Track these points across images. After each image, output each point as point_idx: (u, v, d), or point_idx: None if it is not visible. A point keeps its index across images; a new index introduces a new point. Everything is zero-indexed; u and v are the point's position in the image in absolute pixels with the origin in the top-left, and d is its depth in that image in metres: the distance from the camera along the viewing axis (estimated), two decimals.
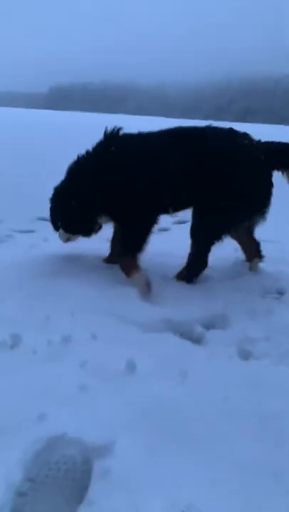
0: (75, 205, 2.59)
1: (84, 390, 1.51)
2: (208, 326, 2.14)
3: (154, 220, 2.64)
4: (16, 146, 8.09)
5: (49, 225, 2.87)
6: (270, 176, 2.58)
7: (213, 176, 2.50)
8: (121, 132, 2.61)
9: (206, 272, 2.66)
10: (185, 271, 2.62)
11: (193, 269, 2.63)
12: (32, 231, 3.87)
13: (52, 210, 2.76)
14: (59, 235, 2.80)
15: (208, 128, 2.70)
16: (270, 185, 2.58)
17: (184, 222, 4.17)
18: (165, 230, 3.92)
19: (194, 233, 2.61)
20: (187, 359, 1.77)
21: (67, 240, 2.79)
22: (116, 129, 2.60)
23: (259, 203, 2.58)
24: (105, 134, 2.61)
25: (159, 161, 2.52)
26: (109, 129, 2.61)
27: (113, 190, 2.54)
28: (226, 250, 2.83)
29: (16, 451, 1.22)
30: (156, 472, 1.18)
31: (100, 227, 2.78)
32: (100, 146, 2.61)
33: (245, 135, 2.62)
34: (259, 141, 2.63)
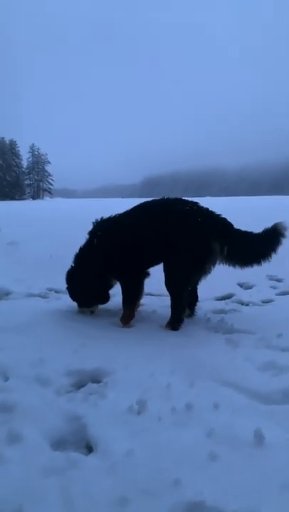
0: (88, 279, 3.30)
1: (215, 459, 1.50)
2: None
3: (140, 275, 3.33)
4: None
5: None
6: (205, 236, 3.03)
7: (164, 237, 3.08)
8: (103, 219, 3.38)
9: None
10: (170, 319, 3.10)
11: (175, 316, 3.09)
12: None
13: (70, 292, 3.45)
14: (80, 311, 3.42)
15: (162, 200, 3.34)
16: (206, 243, 3.02)
17: (287, 293, 4.15)
18: (269, 301, 3.89)
19: (166, 285, 3.15)
20: None
21: (91, 312, 3.44)
22: (99, 218, 3.39)
23: (200, 258, 3.03)
24: (92, 223, 3.40)
25: (132, 232, 3.20)
26: (95, 219, 3.40)
27: (110, 259, 3.25)
28: None
29: None
30: None
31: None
32: (90, 234, 3.39)
33: (192, 203, 3.19)
34: (206, 209, 3.16)
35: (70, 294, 3.47)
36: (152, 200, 3.43)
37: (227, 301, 3.89)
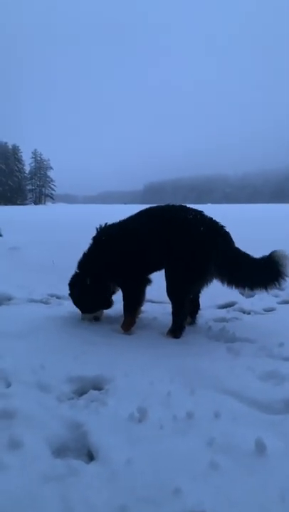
0: (91, 285, 3.28)
1: (215, 468, 1.50)
2: None
3: (142, 281, 3.30)
4: None
5: None
6: (206, 244, 3.02)
7: (167, 244, 3.09)
8: (107, 224, 3.39)
9: None
10: (172, 327, 3.10)
11: (177, 323, 3.08)
12: None
13: (73, 298, 3.43)
14: (83, 318, 3.40)
15: (167, 206, 3.36)
16: (207, 250, 3.00)
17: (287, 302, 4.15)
18: (271, 310, 3.89)
19: (168, 292, 3.14)
20: None
21: (95, 318, 3.44)
22: (103, 224, 3.40)
23: (201, 267, 3.02)
24: (96, 229, 3.39)
25: (136, 237, 3.22)
26: (99, 224, 3.40)
27: (112, 264, 3.25)
28: None
29: None
30: None
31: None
32: (94, 239, 3.39)
33: (196, 212, 3.18)
34: (209, 218, 3.15)
35: (73, 300, 3.46)
36: (157, 206, 3.44)
37: (229, 309, 3.88)
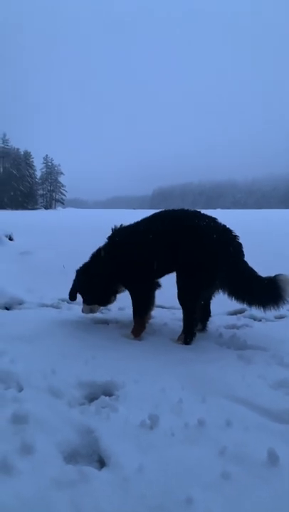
0: (96, 280, 3.35)
1: (227, 478, 1.48)
2: None
3: (152, 285, 3.34)
4: None
5: None
6: (218, 251, 3.03)
7: (179, 249, 3.09)
8: (122, 226, 3.44)
9: None
10: (182, 333, 3.10)
11: (188, 329, 3.08)
12: None
13: (75, 285, 3.50)
14: (83, 309, 3.52)
15: (180, 211, 3.37)
16: (218, 257, 3.02)
17: None
18: (283, 317, 3.86)
19: (179, 298, 3.14)
20: None
21: (91, 311, 3.52)
22: (118, 225, 3.45)
23: (212, 274, 3.03)
24: (112, 229, 3.45)
25: (147, 241, 3.23)
26: (114, 225, 3.46)
27: (123, 265, 3.29)
28: None
29: None
30: None
31: (115, 297, 3.52)
32: (109, 239, 3.43)
33: (210, 218, 3.18)
34: (223, 226, 3.15)
35: (75, 285, 3.52)
36: (170, 210, 3.44)
37: (239, 316, 3.86)
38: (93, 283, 3.40)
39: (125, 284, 3.39)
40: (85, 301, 3.52)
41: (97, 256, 3.45)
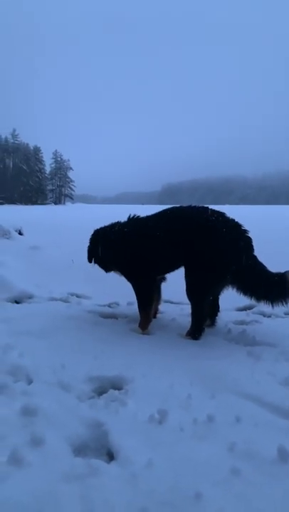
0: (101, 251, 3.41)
1: (237, 474, 1.47)
2: None
3: (152, 280, 3.31)
4: None
5: None
6: (228, 246, 2.99)
7: (188, 244, 3.07)
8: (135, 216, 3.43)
9: None
10: (191, 329, 3.08)
11: (196, 325, 3.07)
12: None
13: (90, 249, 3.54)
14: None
15: (189, 207, 3.31)
16: (229, 252, 2.98)
17: None
18: None
19: (187, 293, 3.12)
20: None
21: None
22: (132, 215, 3.45)
23: (222, 268, 3.01)
24: (128, 218, 3.44)
25: (154, 236, 3.19)
26: (129, 214, 3.46)
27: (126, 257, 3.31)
28: None
29: None
30: None
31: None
32: (122, 225, 3.44)
33: (218, 213, 3.15)
34: (232, 220, 3.11)
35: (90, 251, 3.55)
36: (180, 207, 3.42)
37: (248, 311, 3.84)
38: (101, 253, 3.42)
39: (127, 277, 3.39)
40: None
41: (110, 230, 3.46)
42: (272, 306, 3.04)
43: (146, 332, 3.15)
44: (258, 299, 3.08)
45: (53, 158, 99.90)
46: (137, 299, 3.30)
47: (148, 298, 3.28)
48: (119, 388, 2.18)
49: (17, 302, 4.08)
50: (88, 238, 3.57)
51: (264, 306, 3.92)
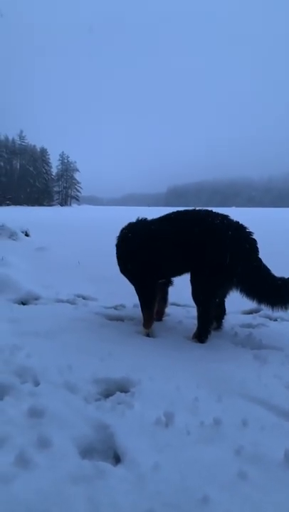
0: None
1: (244, 478, 1.47)
2: None
3: (156, 284, 3.30)
4: None
5: None
6: (234, 248, 2.99)
7: (193, 247, 3.07)
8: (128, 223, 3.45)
9: None
10: (197, 331, 3.08)
11: (202, 328, 3.07)
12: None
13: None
14: None
15: (194, 210, 3.33)
16: (235, 254, 2.98)
17: None
18: None
19: (193, 296, 3.12)
20: None
21: None
22: (140, 217, 3.45)
23: (228, 271, 3.00)
24: (137, 219, 3.45)
25: (157, 240, 3.21)
26: (137, 217, 3.46)
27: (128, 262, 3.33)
28: None
29: None
30: None
31: None
32: (125, 230, 3.45)
33: (222, 216, 3.16)
34: (236, 222, 3.12)
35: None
36: (183, 211, 3.41)
37: (255, 315, 3.82)
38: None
39: (130, 278, 3.39)
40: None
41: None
42: (273, 310, 3.06)
43: (149, 331, 3.16)
44: (260, 301, 3.09)
45: (59, 160, 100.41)
46: (140, 300, 3.31)
47: (150, 296, 3.27)
48: (125, 390, 2.18)
49: (24, 303, 4.10)
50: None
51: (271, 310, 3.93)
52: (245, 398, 2.11)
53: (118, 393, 2.12)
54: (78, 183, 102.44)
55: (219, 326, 3.37)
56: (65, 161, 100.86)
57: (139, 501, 1.38)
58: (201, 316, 3.10)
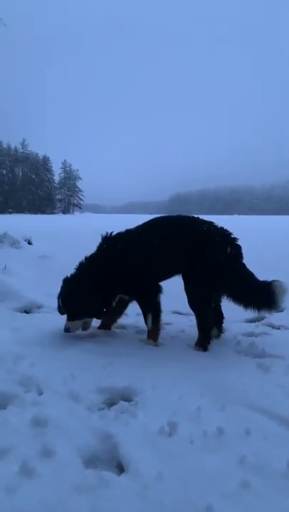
0: (91, 290, 3.11)
1: (247, 487, 1.47)
2: None
3: (157, 288, 3.26)
4: None
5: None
6: (222, 252, 3.09)
7: (182, 254, 3.14)
8: (113, 234, 3.32)
9: None
10: (199, 339, 3.10)
11: (203, 333, 3.09)
12: None
13: (65, 300, 3.22)
14: (71, 328, 3.14)
15: (180, 217, 3.39)
16: (222, 258, 3.08)
17: None
18: None
19: (190, 305, 3.18)
20: None
21: (83, 327, 3.24)
22: (108, 233, 3.32)
23: (217, 273, 3.07)
24: (101, 237, 3.33)
25: (146, 246, 3.20)
26: (104, 233, 3.33)
27: (123, 274, 3.18)
28: None
29: None
30: None
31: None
32: (98, 247, 3.34)
33: (209, 222, 3.26)
34: (221, 228, 3.23)
35: (64, 299, 3.24)
36: (168, 216, 3.53)
37: (257, 323, 3.83)
38: (88, 294, 3.11)
39: (130, 293, 3.31)
40: (74, 316, 3.18)
41: (95, 261, 3.26)
42: (258, 313, 3.19)
43: (155, 344, 3.15)
44: (246, 305, 3.17)
45: (62, 168, 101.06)
46: (145, 310, 3.25)
47: (156, 308, 3.23)
48: (129, 400, 2.19)
49: (26, 312, 4.12)
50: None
51: (273, 318, 3.93)
52: (248, 407, 2.11)
53: (121, 402, 2.13)
54: (81, 191, 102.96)
55: (220, 331, 3.39)
56: (68, 169, 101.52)
57: (143, 511, 1.38)
58: (201, 323, 3.14)
